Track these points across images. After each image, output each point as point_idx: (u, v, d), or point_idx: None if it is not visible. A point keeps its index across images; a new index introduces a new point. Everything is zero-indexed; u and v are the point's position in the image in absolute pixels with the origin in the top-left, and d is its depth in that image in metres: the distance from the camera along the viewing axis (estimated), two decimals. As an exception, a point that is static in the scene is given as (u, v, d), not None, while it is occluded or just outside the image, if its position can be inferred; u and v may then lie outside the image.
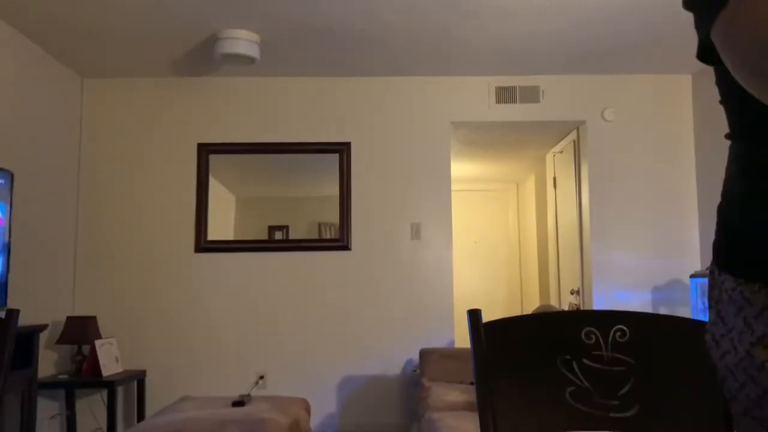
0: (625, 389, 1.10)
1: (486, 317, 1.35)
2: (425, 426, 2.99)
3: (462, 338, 5.36)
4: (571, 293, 4.92)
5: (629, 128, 4.62)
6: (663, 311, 4.41)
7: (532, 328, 1.17)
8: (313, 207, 4.56)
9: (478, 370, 1.13)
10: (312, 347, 4.47)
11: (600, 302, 4.50)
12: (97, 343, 4.03)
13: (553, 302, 5.53)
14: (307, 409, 3.35)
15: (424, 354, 3.93)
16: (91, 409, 4.34)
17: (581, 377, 1.12)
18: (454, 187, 4.72)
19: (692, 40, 4.05)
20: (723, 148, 4.28)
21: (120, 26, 3.78)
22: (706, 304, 3.86)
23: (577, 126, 4.75)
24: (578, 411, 1.12)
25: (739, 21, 0.69)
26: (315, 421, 4.22)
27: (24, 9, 3.54)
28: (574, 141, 4.86)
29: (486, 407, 1.11)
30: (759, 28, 0.66)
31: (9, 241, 3.47)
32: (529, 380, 1.14)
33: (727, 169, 0.87)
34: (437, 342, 4.45)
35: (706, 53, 0.76)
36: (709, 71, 4.46)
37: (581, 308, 4.65)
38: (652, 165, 4.61)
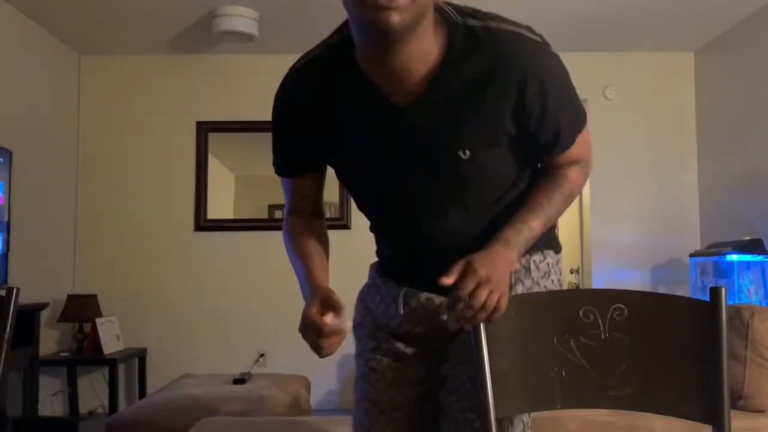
0: (623, 368, 1.11)
1: (485, 296, 1.34)
2: (424, 403, 3.01)
3: (461, 317, 5.37)
4: (571, 272, 4.93)
5: (631, 106, 4.60)
6: (662, 290, 4.41)
7: (530, 306, 1.17)
8: (313, 186, 4.55)
9: (476, 348, 1.13)
10: (312, 325, 4.48)
11: (599, 281, 4.51)
12: (98, 321, 4.04)
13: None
14: (307, 387, 3.37)
15: (424, 332, 3.95)
16: (93, 386, 4.37)
17: (579, 355, 1.12)
18: (454, 165, 4.68)
19: (694, 18, 4.01)
20: (725, 126, 4.27)
21: (117, 3, 3.74)
22: (706, 284, 3.86)
23: (578, 104, 4.72)
24: (575, 389, 1.13)
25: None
26: (315, 398, 4.25)
27: (20, -15, 3.50)
28: (574, 119, 4.84)
29: (484, 384, 1.12)
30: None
31: (9, 220, 3.47)
32: (527, 358, 1.14)
33: None
34: (437, 320, 4.46)
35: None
36: (712, 49, 4.41)
37: (580, 287, 4.67)
38: (654, 143, 4.59)
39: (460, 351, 1.27)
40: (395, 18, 0.98)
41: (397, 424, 1.28)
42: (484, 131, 1.13)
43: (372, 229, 1.38)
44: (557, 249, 1.33)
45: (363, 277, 1.42)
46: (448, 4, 1.12)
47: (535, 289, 1.30)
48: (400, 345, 1.31)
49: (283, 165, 1.28)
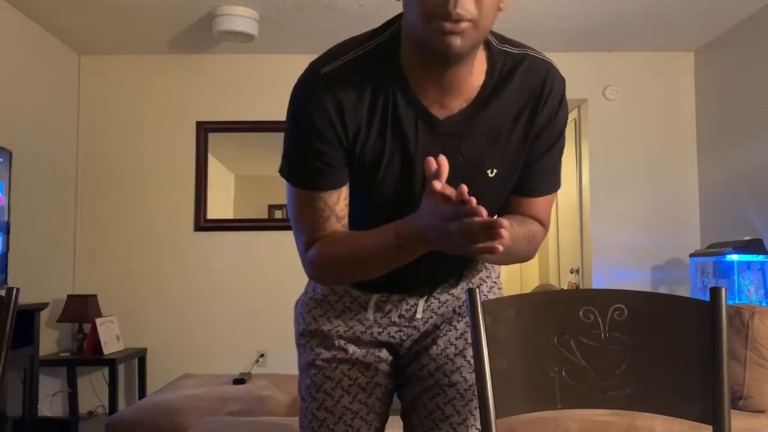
0: (623, 368, 1.11)
1: (484, 296, 1.34)
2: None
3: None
4: (571, 272, 4.93)
5: (631, 106, 4.60)
6: (662, 290, 4.42)
7: (530, 306, 1.17)
8: (313, 186, 4.54)
9: (476, 348, 1.13)
10: (312, 325, 4.48)
11: (599, 281, 4.51)
12: (98, 321, 4.04)
13: (553, 281, 5.54)
14: (307, 387, 3.37)
15: (424, 332, 3.94)
16: (93, 386, 4.37)
17: (579, 355, 1.13)
18: (454, 165, 4.68)
19: (694, 18, 4.01)
20: (725, 126, 4.27)
21: (117, 3, 3.74)
22: (706, 284, 3.86)
23: (579, 104, 4.72)
24: (575, 389, 1.13)
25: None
26: (315, 398, 4.25)
27: (20, -15, 3.50)
28: (575, 119, 4.84)
29: (484, 384, 1.12)
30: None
31: (9, 220, 3.47)
32: (527, 358, 1.14)
33: None
34: (437, 320, 4.46)
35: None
36: (711, 50, 4.40)
37: (580, 287, 4.67)
38: (654, 143, 4.59)
39: (432, 356, 1.30)
40: (458, 42, 1.00)
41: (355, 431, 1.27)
42: (512, 154, 1.17)
43: None
44: None
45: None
46: None
47: (494, 289, 1.37)
48: (358, 353, 1.29)
49: (319, 174, 1.13)
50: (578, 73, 4.54)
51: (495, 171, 1.17)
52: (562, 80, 1.19)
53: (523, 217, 1.21)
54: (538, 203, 1.23)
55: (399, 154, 1.14)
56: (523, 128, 1.16)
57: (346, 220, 1.18)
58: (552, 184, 1.24)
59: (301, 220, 1.18)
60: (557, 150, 1.22)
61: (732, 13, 3.94)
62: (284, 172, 1.18)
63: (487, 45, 1.15)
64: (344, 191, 1.16)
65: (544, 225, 1.24)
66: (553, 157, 1.21)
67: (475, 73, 1.12)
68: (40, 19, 3.96)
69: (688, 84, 4.62)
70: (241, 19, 3.80)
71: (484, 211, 0.91)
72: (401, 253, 1.09)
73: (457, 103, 1.13)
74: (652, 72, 4.62)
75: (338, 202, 1.16)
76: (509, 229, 1.00)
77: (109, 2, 3.73)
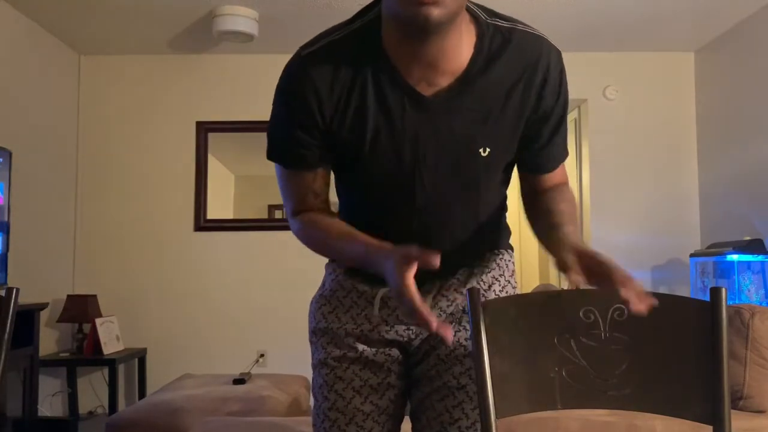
0: (623, 368, 1.11)
1: (484, 296, 1.34)
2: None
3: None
4: (571, 272, 4.92)
5: (631, 107, 4.60)
6: (662, 290, 4.41)
7: (531, 306, 1.17)
8: (313, 186, 4.54)
9: (476, 348, 1.13)
10: (312, 325, 4.47)
11: (599, 281, 4.50)
12: (98, 321, 4.04)
13: (553, 281, 5.53)
14: (307, 387, 3.37)
15: (424, 332, 3.94)
16: (93, 386, 4.37)
17: (579, 356, 1.12)
18: (454, 165, 4.68)
19: (694, 18, 4.01)
20: (725, 127, 4.26)
21: (117, 3, 3.74)
22: (706, 284, 3.86)
23: (579, 104, 4.72)
24: (575, 389, 1.12)
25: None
26: (315, 398, 4.24)
27: (20, -15, 3.50)
28: (575, 119, 4.84)
29: (484, 384, 1.12)
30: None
31: (9, 220, 3.47)
32: (528, 358, 1.14)
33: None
34: (437, 320, 4.45)
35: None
36: (711, 50, 4.39)
37: (580, 287, 4.66)
38: (654, 143, 4.59)
39: (441, 356, 1.28)
40: (435, 12, 0.99)
41: None
42: (506, 131, 1.15)
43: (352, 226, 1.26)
44: (512, 249, 1.39)
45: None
46: (475, 3, 1.14)
47: (508, 288, 1.34)
48: (368, 351, 1.28)
49: (294, 157, 1.18)
50: (578, 73, 4.54)
51: (488, 150, 1.15)
52: (558, 53, 1.16)
53: (560, 195, 1.23)
54: (557, 171, 1.28)
55: (386, 133, 1.13)
56: (516, 105, 1.14)
57: (325, 195, 1.23)
58: (565, 152, 1.28)
59: (284, 191, 1.25)
60: (565, 122, 1.23)
61: (732, 13, 3.94)
62: (267, 147, 1.22)
63: (475, 18, 1.12)
64: (320, 171, 1.20)
65: (567, 182, 1.30)
66: (563, 131, 1.23)
67: (463, 47, 1.10)
68: (40, 19, 3.96)
69: (688, 84, 4.62)
70: (241, 19, 3.80)
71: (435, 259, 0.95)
72: (365, 265, 1.12)
73: (445, 80, 1.10)
74: (652, 72, 4.62)
75: (315, 180, 1.21)
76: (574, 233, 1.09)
77: (109, 2, 3.73)
